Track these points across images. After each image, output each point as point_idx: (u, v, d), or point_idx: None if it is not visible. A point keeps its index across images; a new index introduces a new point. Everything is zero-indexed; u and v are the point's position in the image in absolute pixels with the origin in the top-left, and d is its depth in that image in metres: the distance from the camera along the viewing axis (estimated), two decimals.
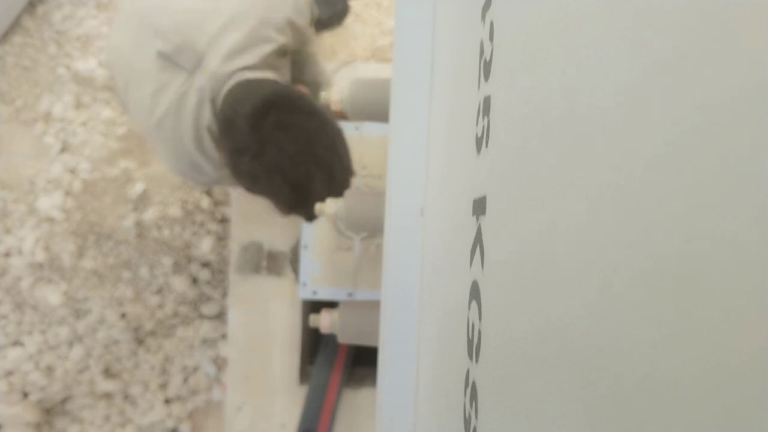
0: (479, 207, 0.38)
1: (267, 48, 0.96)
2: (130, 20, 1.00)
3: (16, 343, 1.67)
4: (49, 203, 1.64)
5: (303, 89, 1.02)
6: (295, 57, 1.09)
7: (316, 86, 1.33)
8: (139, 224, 1.65)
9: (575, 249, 0.23)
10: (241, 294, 1.42)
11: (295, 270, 1.35)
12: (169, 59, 0.93)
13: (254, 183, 0.90)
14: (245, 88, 0.91)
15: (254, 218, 1.41)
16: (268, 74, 0.97)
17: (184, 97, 0.95)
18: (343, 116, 1.01)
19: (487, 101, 0.37)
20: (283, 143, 0.85)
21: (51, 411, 1.71)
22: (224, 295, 1.70)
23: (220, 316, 1.71)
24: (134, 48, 0.97)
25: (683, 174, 0.16)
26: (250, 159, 0.86)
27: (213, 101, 0.96)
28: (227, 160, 0.91)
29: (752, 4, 0.14)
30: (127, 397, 1.71)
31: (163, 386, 1.70)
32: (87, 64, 1.70)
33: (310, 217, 0.91)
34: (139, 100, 0.98)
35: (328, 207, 1.01)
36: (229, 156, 0.90)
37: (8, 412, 1.62)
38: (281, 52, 1.00)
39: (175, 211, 1.64)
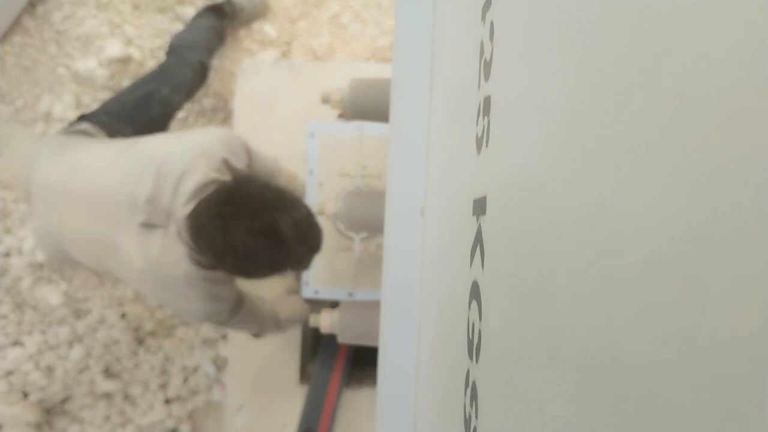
0: (479, 207, 0.38)
1: (212, 187, 1.08)
2: (88, 201, 1.11)
3: (16, 343, 1.67)
4: None
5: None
6: None
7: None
8: None
9: (575, 248, 0.23)
10: None
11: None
12: (147, 225, 1.07)
13: (247, 255, 1.00)
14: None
15: None
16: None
17: (171, 248, 1.07)
18: (343, 116, 1.01)
19: (487, 101, 0.37)
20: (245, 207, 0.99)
21: (51, 411, 1.71)
22: None
23: None
24: (107, 225, 1.10)
25: (684, 172, 0.16)
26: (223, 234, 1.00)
27: None
28: (216, 248, 1.01)
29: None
30: (127, 397, 1.71)
31: (163, 386, 1.70)
32: (87, 64, 1.70)
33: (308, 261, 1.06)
34: (121, 263, 1.11)
35: (328, 207, 1.01)
36: (213, 242, 1.01)
37: (8, 412, 1.62)
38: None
39: None
